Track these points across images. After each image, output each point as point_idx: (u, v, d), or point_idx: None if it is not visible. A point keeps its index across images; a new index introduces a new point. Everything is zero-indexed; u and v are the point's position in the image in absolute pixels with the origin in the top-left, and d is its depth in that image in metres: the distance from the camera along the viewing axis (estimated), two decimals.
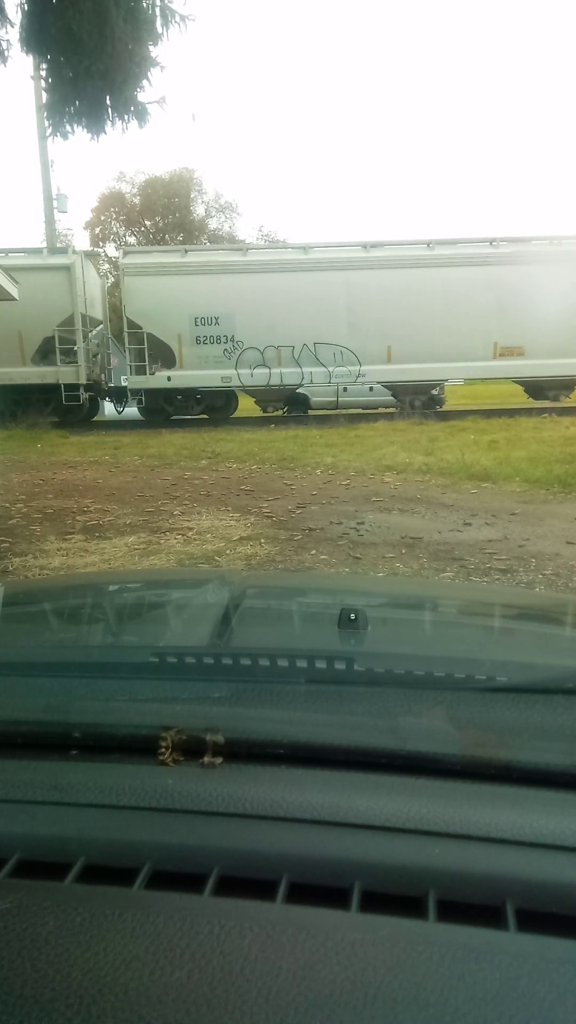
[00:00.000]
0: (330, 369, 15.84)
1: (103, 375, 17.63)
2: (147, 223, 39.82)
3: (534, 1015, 0.40)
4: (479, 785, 0.62)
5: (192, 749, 0.65)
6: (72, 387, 15.91)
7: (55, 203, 20.56)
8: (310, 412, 17.17)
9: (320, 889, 0.51)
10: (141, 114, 6.72)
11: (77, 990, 0.42)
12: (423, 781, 0.62)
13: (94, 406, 17.65)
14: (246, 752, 0.66)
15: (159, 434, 13.38)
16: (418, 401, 16.68)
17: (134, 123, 6.77)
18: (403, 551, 4.84)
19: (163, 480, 8.26)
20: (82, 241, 36.98)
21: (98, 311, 17.59)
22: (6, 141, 74.64)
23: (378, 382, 16.35)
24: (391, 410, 16.62)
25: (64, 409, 16.18)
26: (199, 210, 40.81)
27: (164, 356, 15.81)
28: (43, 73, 6.79)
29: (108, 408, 21.29)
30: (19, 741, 0.71)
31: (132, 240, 38.75)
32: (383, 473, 8.32)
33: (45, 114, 7.23)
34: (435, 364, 15.70)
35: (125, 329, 15.70)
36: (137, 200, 39.65)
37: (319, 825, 0.57)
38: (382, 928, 0.47)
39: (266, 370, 15.78)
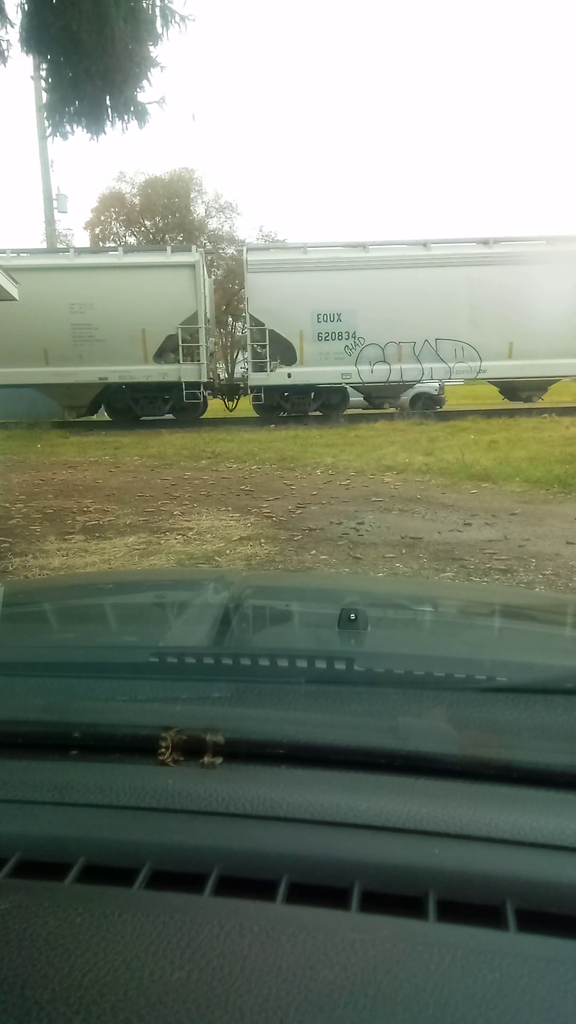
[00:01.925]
0: (451, 365, 15.79)
1: (212, 372, 17.64)
2: (147, 223, 39.80)
3: (534, 1015, 0.40)
4: (479, 785, 0.62)
5: (192, 749, 0.65)
6: (193, 385, 15.90)
7: (55, 203, 20.58)
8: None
9: (320, 889, 0.51)
10: (141, 114, 6.72)
11: (77, 990, 0.42)
12: (423, 781, 0.62)
13: (204, 403, 17.67)
14: (246, 752, 0.66)
15: (159, 434, 13.38)
16: (536, 396, 16.68)
17: (134, 123, 6.77)
18: (403, 551, 4.84)
19: (163, 480, 8.26)
20: (82, 241, 36.99)
21: (210, 309, 17.61)
22: (6, 141, 74.65)
23: (499, 378, 16.33)
24: (392, 410, 16.65)
25: (181, 407, 16.20)
26: (199, 210, 40.79)
27: (284, 353, 15.83)
28: (43, 73, 6.78)
29: None
30: (19, 741, 0.71)
31: (132, 240, 38.74)
32: (383, 473, 8.32)
33: (45, 114, 7.23)
34: (557, 360, 15.66)
35: (247, 326, 15.74)
36: (137, 200, 39.63)
37: (319, 825, 0.57)
38: (382, 928, 0.47)
39: (386, 366, 15.75)
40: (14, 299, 11.06)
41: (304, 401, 16.35)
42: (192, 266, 15.57)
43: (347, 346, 15.69)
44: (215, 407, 18.29)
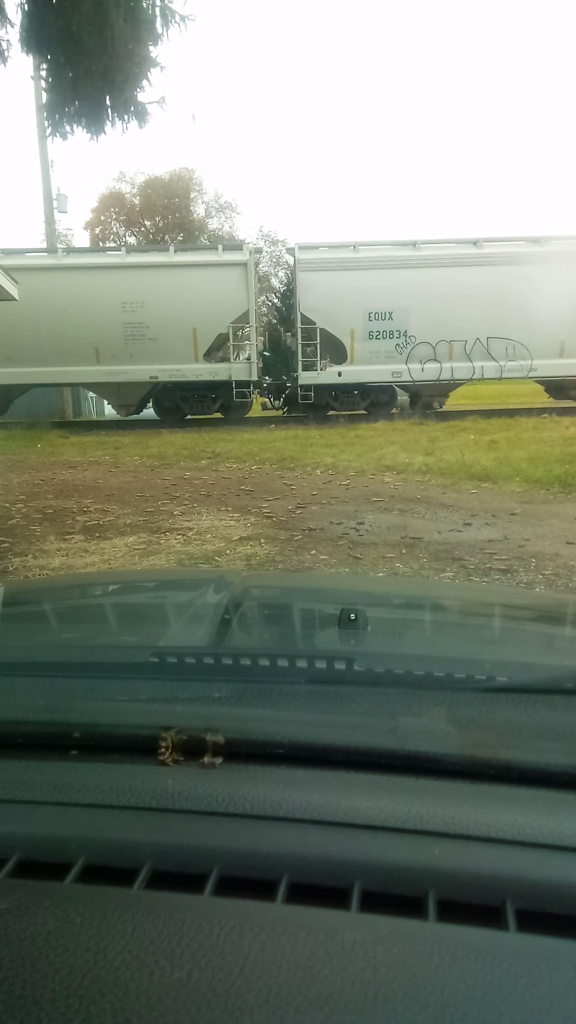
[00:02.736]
0: (501, 363, 15.72)
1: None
2: (147, 223, 39.81)
3: (534, 1015, 0.40)
4: (479, 785, 0.62)
5: (192, 749, 0.65)
6: (243, 383, 15.87)
7: (55, 203, 20.55)
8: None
9: (320, 889, 0.51)
10: (141, 114, 6.72)
11: (77, 990, 0.42)
12: (423, 781, 0.62)
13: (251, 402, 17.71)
14: (246, 752, 0.66)
15: (159, 434, 13.38)
16: None
17: (134, 123, 6.77)
18: (403, 551, 4.84)
19: (163, 480, 8.26)
20: (82, 241, 36.99)
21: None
22: (6, 141, 74.63)
23: (549, 376, 16.25)
24: (392, 410, 16.64)
25: (229, 406, 16.16)
26: (199, 210, 40.81)
27: (334, 351, 15.77)
28: (43, 73, 6.79)
29: (108, 407, 21.26)
30: (19, 741, 0.71)
31: (132, 240, 38.75)
32: (383, 473, 8.32)
33: (45, 114, 7.23)
34: None
35: (298, 324, 15.63)
36: (137, 200, 39.64)
37: (319, 825, 0.57)
38: (382, 928, 0.47)
39: (437, 365, 15.69)
40: (14, 299, 11.03)
41: (353, 399, 16.30)
42: (244, 264, 15.54)
43: (398, 344, 15.64)
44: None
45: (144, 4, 6.21)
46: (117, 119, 6.67)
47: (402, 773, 0.63)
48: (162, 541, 5.29)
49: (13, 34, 6.28)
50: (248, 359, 15.85)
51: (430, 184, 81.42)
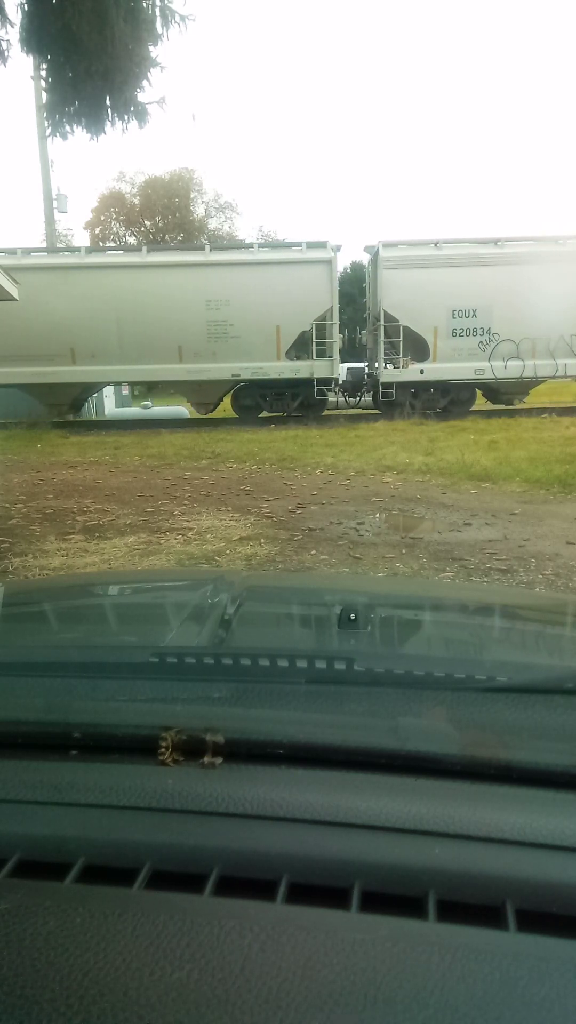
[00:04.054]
0: None
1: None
2: (147, 223, 39.82)
3: (534, 1015, 0.40)
4: (479, 785, 0.62)
5: (192, 749, 0.65)
6: (324, 381, 15.84)
7: (55, 203, 20.57)
8: None
9: (320, 889, 0.51)
10: (141, 114, 6.72)
11: (77, 990, 0.42)
12: (423, 781, 0.62)
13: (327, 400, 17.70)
14: (246, 752, 0.66)
15: (158, 434, 13.38)
16: None
17: (134, 123, 6.77)
18: (403, 551, 4.84)
19: (163, 480, 8.26)
20: (82, 241, 36.98)
21: None
22: (6, 141, 74.65)
23: None
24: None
25: (309, 404, 16.12)
26: (199, 210, 40.84)
27: (417, 349, 15.73)
28: (43, 73, 6.78)
29: (108, 406, 21.24)
30: (19, 741, 0.71)
31: (132, 240, 38.74)
32: (383, 473, 8.33)
33: (45, 114, 7.23)
34: None
35: (381, 322, 15.55)
36: (137, 200, 39.66)
37: (319, 825, 0.57)
38: (382, 928, 0.47)
39: (519, 362, 15.61)
40: (14, 299, 11.02)
41: (434, 397, 16.23)
42: (328, 262, 15.47)
43: (481, 342, 15.55)
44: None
45: (144, 4, 6.21)
46: (117, 119, 6.68)
47: (402, 773, 0.63)
48: (162, 541, 5.29)
49: (13, 34, 6.29)
50: (330, 357, 15.77)
51: (431, 182, 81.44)
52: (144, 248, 16.25)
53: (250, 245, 16.11)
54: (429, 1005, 0.41)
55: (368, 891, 0.51)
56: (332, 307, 15.50)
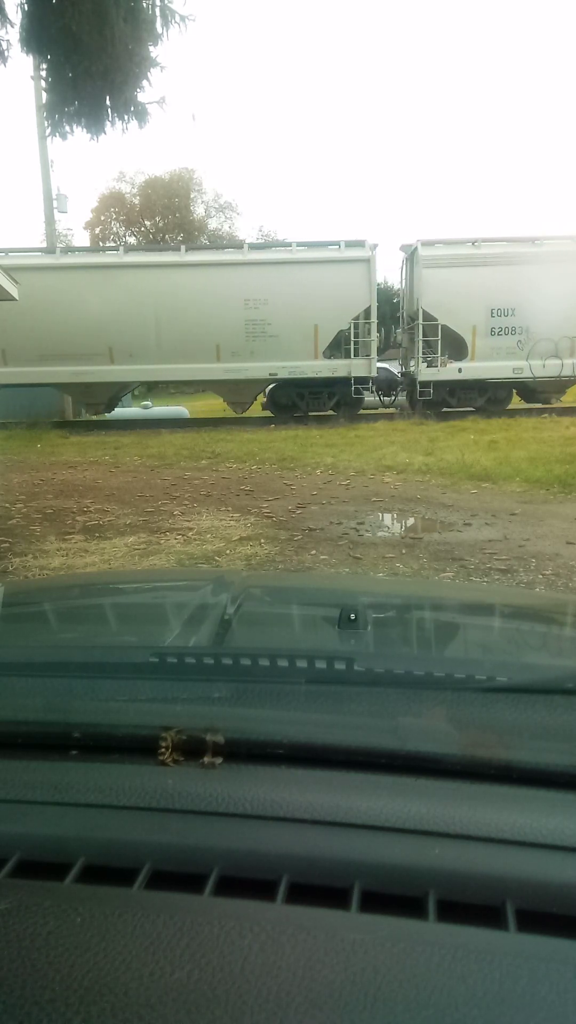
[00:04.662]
0: None
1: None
2: (147, 223, 39.83)
3: (534, 1015, 0.40)
4: (479, 785, 0.62)
5: (192, 749, 0.65)
6: (361, 380, 15.82)
7: (55, 203, 20.54)
8: None
9: (320, 889, 0.51)
10: (141, 114, 6.72)
11: (77, 990, 0.42)
12: (423, 781, 0.62)
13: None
14: (246, 752, 0.66)
15: (158, 434, 13.38)
16: None
17: (134, 123, 6.78)
18: (403, 551, 4.84)
19: (163, 480, 8.26)
20: (82, 241, 36.98)
21: None
22: (6, 141, 74.66)
23: None
24: (391, 410, 16.61)
25: (345, 402, 16.10)
26: (199, 210, 40.85)
27: (455, 348, 15.72)
28: (43, 73, 6.79)
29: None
30: (19, 741, 0.71)
31: (132, 240, 38.75)
32: (383, 473, 8.33)
33: (45, 114, 7.23)
34: None
35: (419, 321, 15.54)
36: (137, 200, 39.66)
37: (319, 825, 0.57)
38: (382, 928, 0.47)
39: (558, 361, 15.58)
40: (14, 299, 11.02)
41: (471, 396, 16.21)
42: (366, 261, 15.45)
43: (519, 341, 15.53)
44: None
45: (144, 4, 6.21)
46: (117, 119, 6.68)
47: (402, 773, 0.63)
48: (162, 541, 5.29)
49: (13, 34, 6.29)
50: (368, 356, 15.75)
51: (429, 183, 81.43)
52: (183, 247, 16.24)
53: (288, 244, 16.02)
54: (429, 1005, 0.41)
55: (368, 891, 0.51)
56: (370, 306, 15.49)
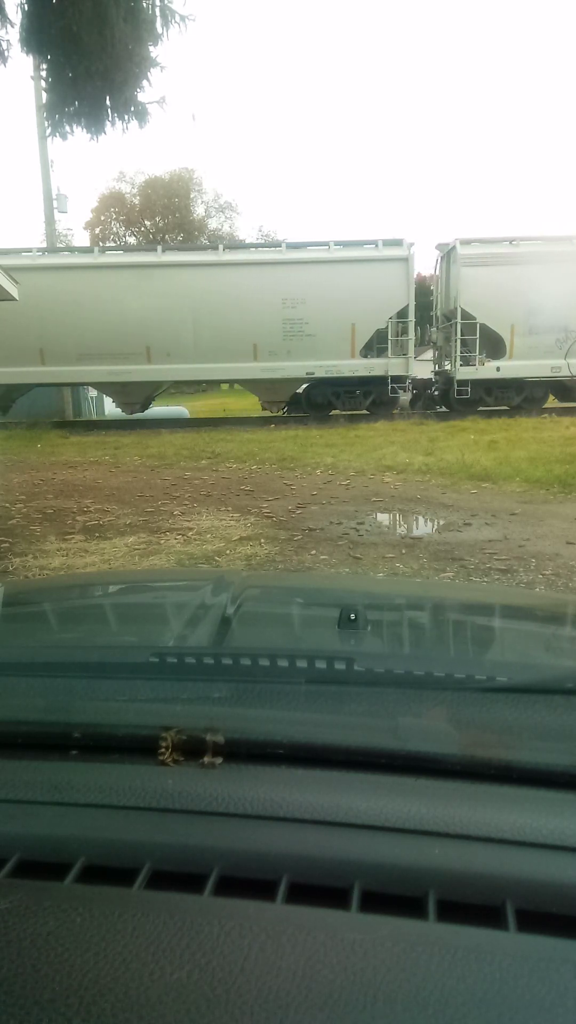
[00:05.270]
0: None
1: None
2: (147, 223, 39.84)
3: (534, 1015, 0.40)
4: (479, 785, 0.62)
5: (192, 749, 0.65)
6: (399, 379, 15.80)
7: (55, 203, 20.54)
8: None
9: (320, 889, 0.51)
10: (141, 114, 6.72)
11: (77, 990, 0.42)
12: (423, 781, 0.62)
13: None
14: (246, 752, 0.66)
15: (158, 434, 13.38)
16: None
17: (134, 123, 6.77)
18: (403, 551, 4.84)
19: (163, 480, 8.26)
20: (82, 241, 36.98)
21: None
22: (6, 141, 74.68)
23: None
24: (392, 410, 16.61)
25: (381, 401, 16.06)
26: (199, 210, 40.88)
27: (492, 346, 15.68)
28: (43, 73, 6.79)
29: (108, 406, 21.25)
30: (19, 741, 0.71)
31: (132, 240, 38.75)
32: (383, 473, 8.32)
33: (45, 114, 7.23)
34: None
35: (457, 320, 15.49)
36: (137, 200, 39.68)
37: (319, 825, 0.57)
38: (382, 928, 0.47)
39: None
40: (14, 299, 11.01)
41: (508, 395, 16.18)
42: (405, 260, 15.42)
43: (558, 339, 15.49)
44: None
45: (144, 4, 6.21)
46: (117, 119, 6.68)
47: (402, 773, 0.63)
48: (162, 541, 5.29)
49: (13, 34, 6.29)
50: (405, 355, 15.71)
51: (429, 183, 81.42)
52: (221, 246, 16.21)
53: (326, 243, 15.95)
54: (429, 1005, 0.41)
55: (368, 891, 0.51)
56: (408, 304, 15.45)
